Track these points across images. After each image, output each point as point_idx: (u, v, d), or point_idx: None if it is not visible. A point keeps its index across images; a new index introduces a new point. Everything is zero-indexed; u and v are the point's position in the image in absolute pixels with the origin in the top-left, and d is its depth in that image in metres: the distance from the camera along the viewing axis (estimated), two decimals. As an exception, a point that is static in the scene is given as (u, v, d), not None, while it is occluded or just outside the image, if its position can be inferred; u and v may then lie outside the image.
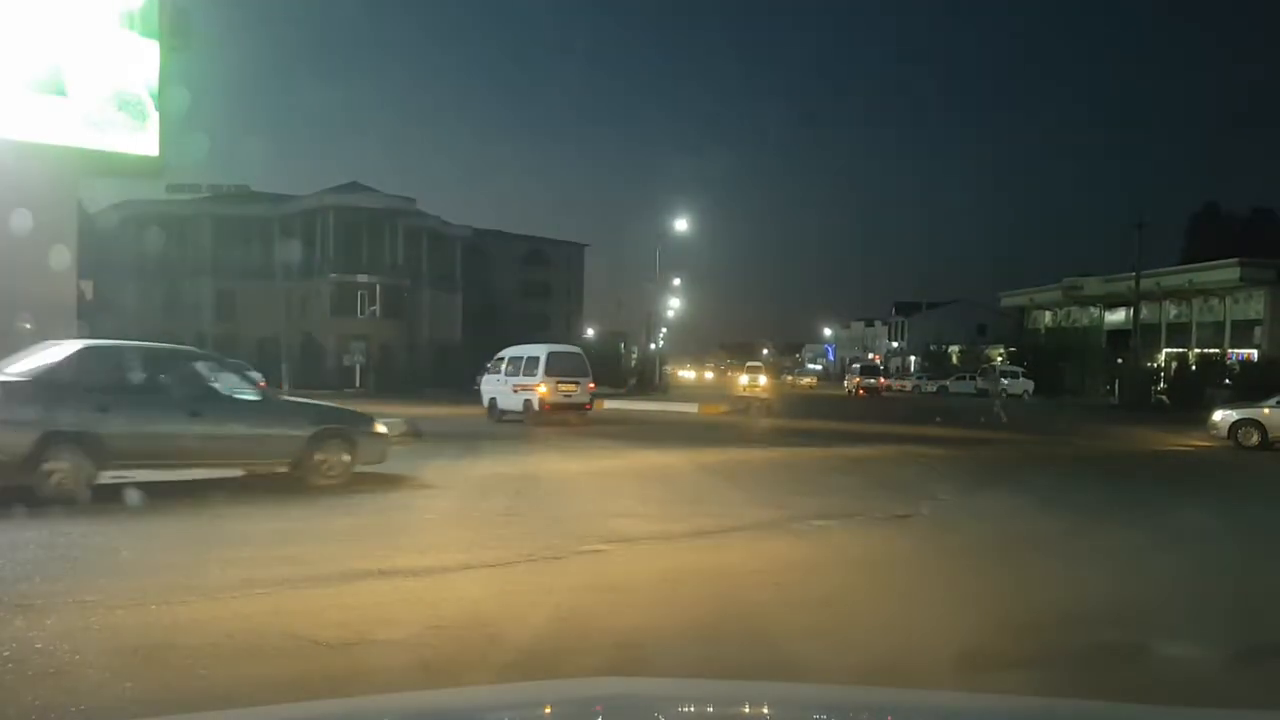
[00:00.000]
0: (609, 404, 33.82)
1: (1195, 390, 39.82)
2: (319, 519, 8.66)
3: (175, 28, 17.91)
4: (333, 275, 51.47)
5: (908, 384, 63.64)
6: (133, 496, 9.51)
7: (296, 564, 6.48)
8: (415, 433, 16.84)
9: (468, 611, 5.44)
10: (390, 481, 11.03)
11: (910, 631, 5.39)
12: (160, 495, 9.67)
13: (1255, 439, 19.01)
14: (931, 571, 7.35)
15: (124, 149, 17.12)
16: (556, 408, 21.39)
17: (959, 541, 8.69)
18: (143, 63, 17.52)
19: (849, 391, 52.53)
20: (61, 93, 16.75)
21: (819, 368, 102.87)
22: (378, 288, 52.11)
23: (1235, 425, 19.48)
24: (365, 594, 5.75)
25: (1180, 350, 50.57)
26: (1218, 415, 20.28)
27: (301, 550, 6.99)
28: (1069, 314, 62.88)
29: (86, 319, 30.34)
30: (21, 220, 15.81)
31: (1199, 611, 6.12)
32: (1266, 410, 19.42)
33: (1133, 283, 46.86)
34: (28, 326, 16.50)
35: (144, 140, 17.27)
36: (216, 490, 10.32)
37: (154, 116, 17.39)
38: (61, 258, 17.66)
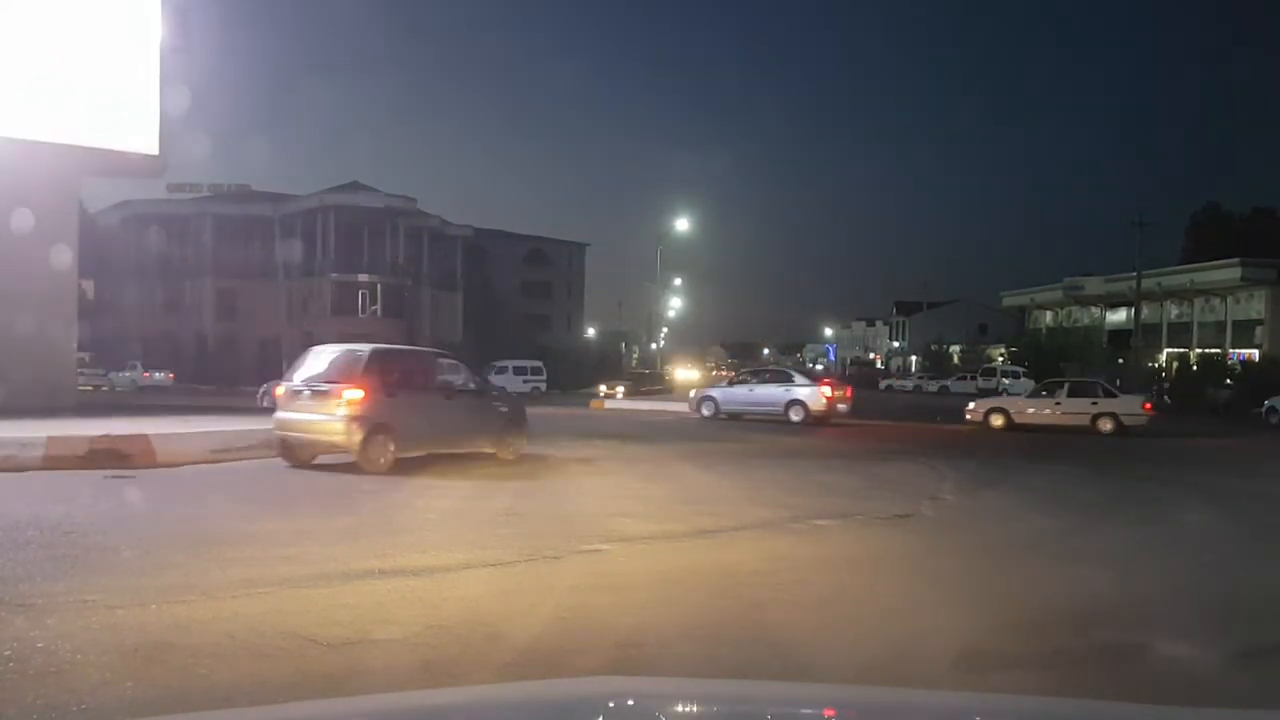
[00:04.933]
0: (608, 404, 33.87)
1: (1197, 390, 39.87)
2: (320, 519, 8.68)
3: (176, 28, 17.96)
4: (333, 275, 51.49)
5: (908, 383, 63.53)
6: (172, 497, 9.54)
7: (297, 563, 6.49)
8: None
9: (468, 611, 5.44)
10: (390, 482, 11.04)
11: (912, 631, 5.38)
12: (163, 495, 9.69)
13: (1001, 421, 23.26)
14: (932, 570, 7.35)
15: (124, 148, 17.17)
16: None
17: (960, 540, 8.71)
18: (144, 63, 17.56)
19: None
20: (63, 93, 16.80)
21: (820, 366, 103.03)
22: (378, 287, 52.13)
23: (988, 411, 24.00)
24: (366, 593, 5.75)
25: (1181, 350, 50.56)
26: (972, 404, 25.03)
27: (302, 550, 7.00)
28: (1070, 314, 62.87)
29: (87, 318, 30.40)
30: (23, 219, 15.84)
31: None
32: (1006, 402, 25.10)
33: (1134, 283, 46.89)
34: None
35: (144, 139, 17.33)
36: (217, 490, 10.34)
37: (154, 116, 17.44)
38: (62, 256, 17.71)
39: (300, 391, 12.09)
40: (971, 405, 24.90)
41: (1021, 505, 11.02)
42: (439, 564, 6.64)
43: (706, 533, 8.36)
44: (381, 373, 12.14)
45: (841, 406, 23.97)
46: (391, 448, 11.71)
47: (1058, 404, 23.40)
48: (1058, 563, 7.66)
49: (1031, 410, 23.45)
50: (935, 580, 6.97)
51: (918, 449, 17.63)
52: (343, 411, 11.48)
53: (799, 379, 24.58)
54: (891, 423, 25.89)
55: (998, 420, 23.33)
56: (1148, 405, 23.68)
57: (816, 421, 22.76)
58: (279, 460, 12.44)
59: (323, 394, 11.76)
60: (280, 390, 12.74)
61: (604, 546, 7.50)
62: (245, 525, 8.06)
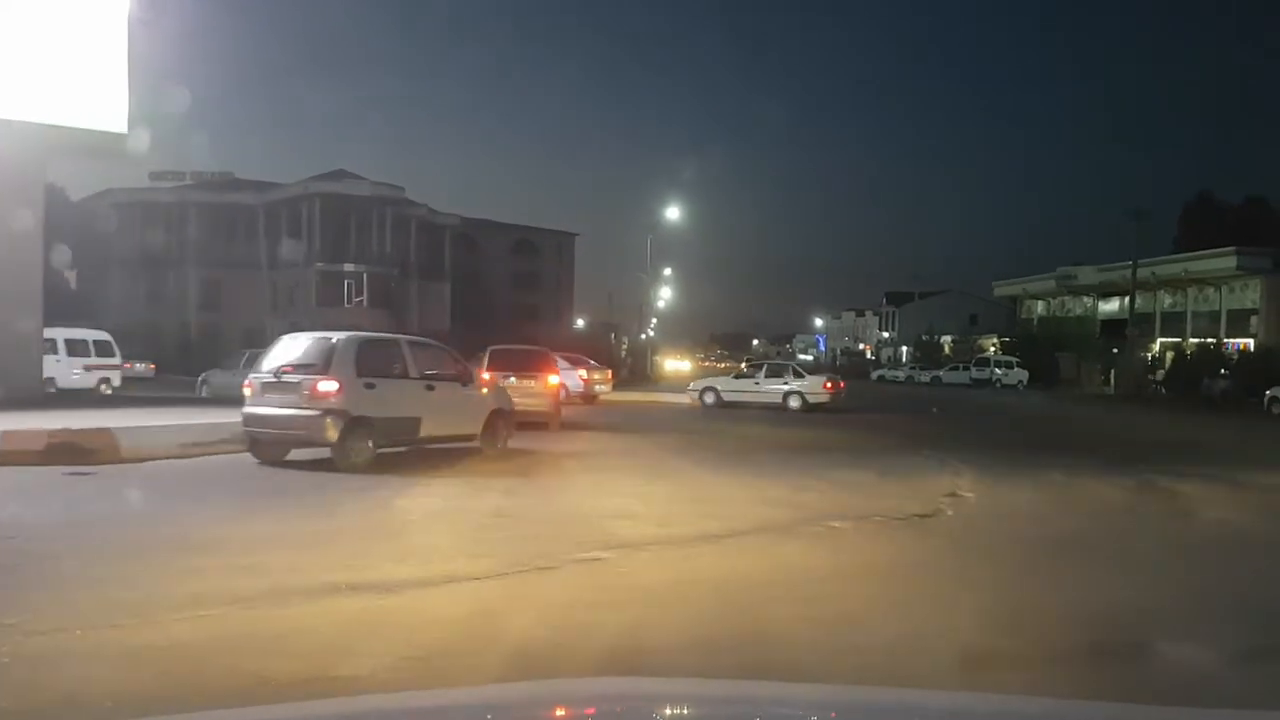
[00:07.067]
0: (601, 398, 33.22)
1: (1192, 379, 39.48)
2: (294, 521, 7.97)
3: (145, 4, 17.17)
4: (319, 264, 50.55)
5: (900, 373, 62.79)
6: (132, 497, 8.86)
7: (258, 575, 5.76)
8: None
9: (447, 636, 4.73)
10: (379, 480, 10.29)
11: (958, 657, 4.71)
12: (121, 494, 8.99)
13: (712, 399, 26.27)
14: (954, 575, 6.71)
15: (90, 125, 16.37)
16: None
17: (984, 543, 8.07)
18: (110, 38, 16.78)
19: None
20: (24, 68, 16.01)
21: (809, 358, 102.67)
22: (365, 277, 51.21)
23: (702, 391, 27.07)
24: (331, 615, 5.02)
25: (1175, 340, 50.11)
26: (691, 385, 28.86)
27: (268, 559, 6.27)
28: (1063, 304, 62.37)
29: (70, 307, 29.30)
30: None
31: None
32: (719, 382, 28.05)
33: (1127, 272, 46.37)
34: None
35: (111, 117, 16.54)
36: (181, 489, 9.60)
37: (122, 94, 16.66)
38: (28, 241, 16.94)
39: (508, 379, 16.17)
40: (691, 386, 28.61)
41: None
42: (418, 577, 5.90)
43: (712, 537, 7.70)
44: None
45: (600, 387, 27.92)
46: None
47: (757, 384, 26.26)
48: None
49: (737, 390, 26.32)
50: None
51: (631, 420, 20.83)
52: (547, 391, 17.23)
53: (562, 364, 29.47)
54: (647, 399, 29.69)
55: (710, 398, 26.21)
56: (827, 385, 26.70)
57: (582, 400, 25.66)
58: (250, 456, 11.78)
59: (532, 378, 17.13)
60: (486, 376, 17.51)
61: (602, 554, 6.83)
62: (206, 530, 7.33)
